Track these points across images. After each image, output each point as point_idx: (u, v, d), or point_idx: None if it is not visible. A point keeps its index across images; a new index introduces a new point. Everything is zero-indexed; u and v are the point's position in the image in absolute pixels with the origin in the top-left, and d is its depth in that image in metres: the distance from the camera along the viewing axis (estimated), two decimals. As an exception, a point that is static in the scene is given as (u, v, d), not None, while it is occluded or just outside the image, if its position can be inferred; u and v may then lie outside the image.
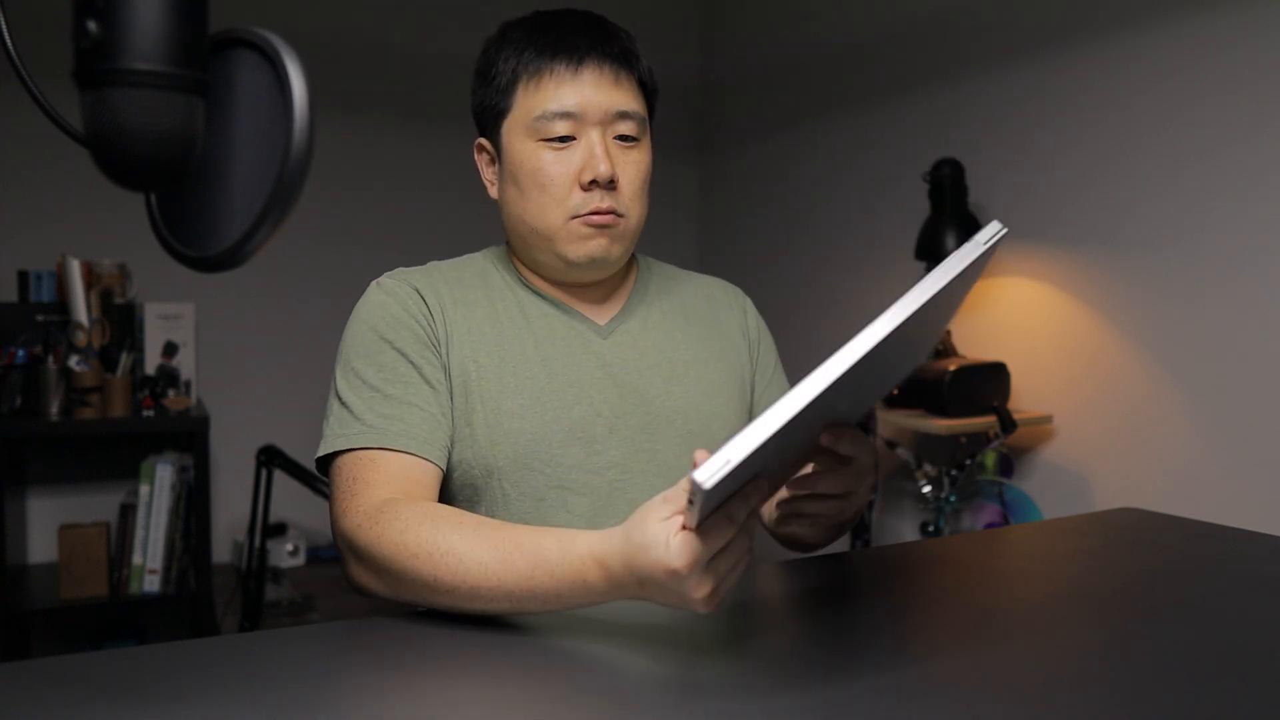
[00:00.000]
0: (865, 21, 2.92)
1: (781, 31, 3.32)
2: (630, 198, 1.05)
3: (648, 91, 1.09)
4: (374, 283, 1.06)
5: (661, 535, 0.69)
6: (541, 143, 1.02)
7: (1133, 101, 2.12)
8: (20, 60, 0.57)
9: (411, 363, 1.00)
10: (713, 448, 1.08)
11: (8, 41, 0.58)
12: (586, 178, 1.01)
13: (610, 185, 1.02)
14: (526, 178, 1.03)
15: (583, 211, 1.02)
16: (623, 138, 1.04)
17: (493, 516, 1.00)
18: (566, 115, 1.01)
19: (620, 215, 1.04)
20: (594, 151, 1.02)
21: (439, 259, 1.14)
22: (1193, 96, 1.99)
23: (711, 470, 0.61)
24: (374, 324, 1.02)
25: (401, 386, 0.99)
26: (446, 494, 1.04)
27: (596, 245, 1.04)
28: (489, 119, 1.07)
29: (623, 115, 1.04)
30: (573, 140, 1.02)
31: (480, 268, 1.12)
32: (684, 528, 0.69)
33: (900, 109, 2.79)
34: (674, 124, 3.74)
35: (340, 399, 1.00)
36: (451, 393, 1.02)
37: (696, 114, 3.80)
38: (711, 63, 3.74)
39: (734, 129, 3.62)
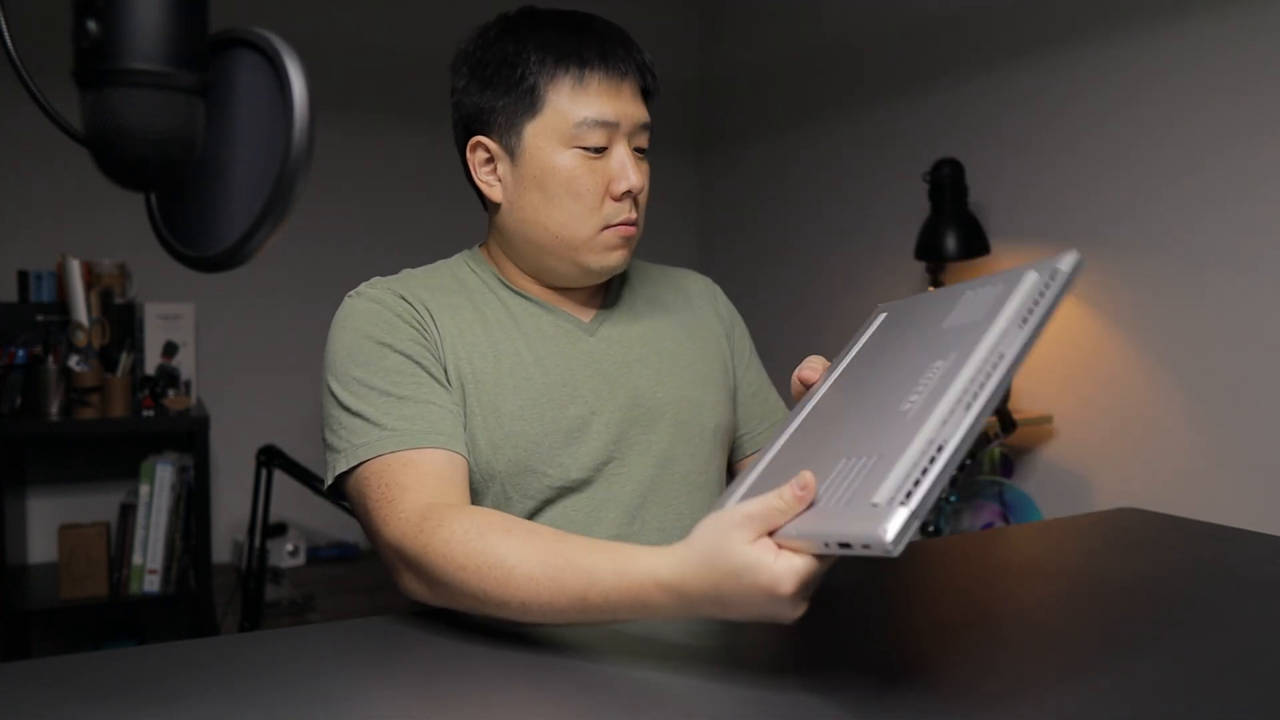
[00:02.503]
0: (865, 21, 2.92)
1: (781, 31, 3.32)
2: (642, 208, 1.07)
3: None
4: (352, 294, 1.03)
5: (763, 560, 0.64)
6: (578, 150, 1.01)
7: (1133, 102, 2.12)
8: (20, 60, 0.57)
9: (416, 362, 0.98)
10: (703, 436, 1.09)
11: (8, 41, 0.58)
12: (620, 189, 1.01)
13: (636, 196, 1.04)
14: (559, 185, 1.01)
15: (615, 221, 1.03)
16: (639, 149, 1.05)
17: None
18: (606, 125, 1.01)
19: (636, 225, 1.06)
20: (625, 163, 1.02)
21: (442, 258, 1.13)
22: (1193, 97, 1.99)
23: (898, 529, 0.56)
24: (367, 331, 0.99)
25: (414, 386, 0.97)
26: None
27: (618, 256, 1.05)
28: (501, 117, 1.03)
29: (645, 128, 1.05)
30: (605, 150, 1.02)
31: (456, 272, 1.10)
32: (780, 546, 0.65)
33: (900, 109, 2.79)
34: (674, 124, 3.74)
35: (349, 410, 0.96)
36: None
37: (696, 114, 3.80)
38: (711, 62, 3.74)
39: (734, 129, 3.62)
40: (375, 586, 2.85)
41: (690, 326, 1.16)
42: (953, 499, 2.34)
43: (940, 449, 0.58)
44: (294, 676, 0.72)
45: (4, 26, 0.58)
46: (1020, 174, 2.39)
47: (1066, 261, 0.66)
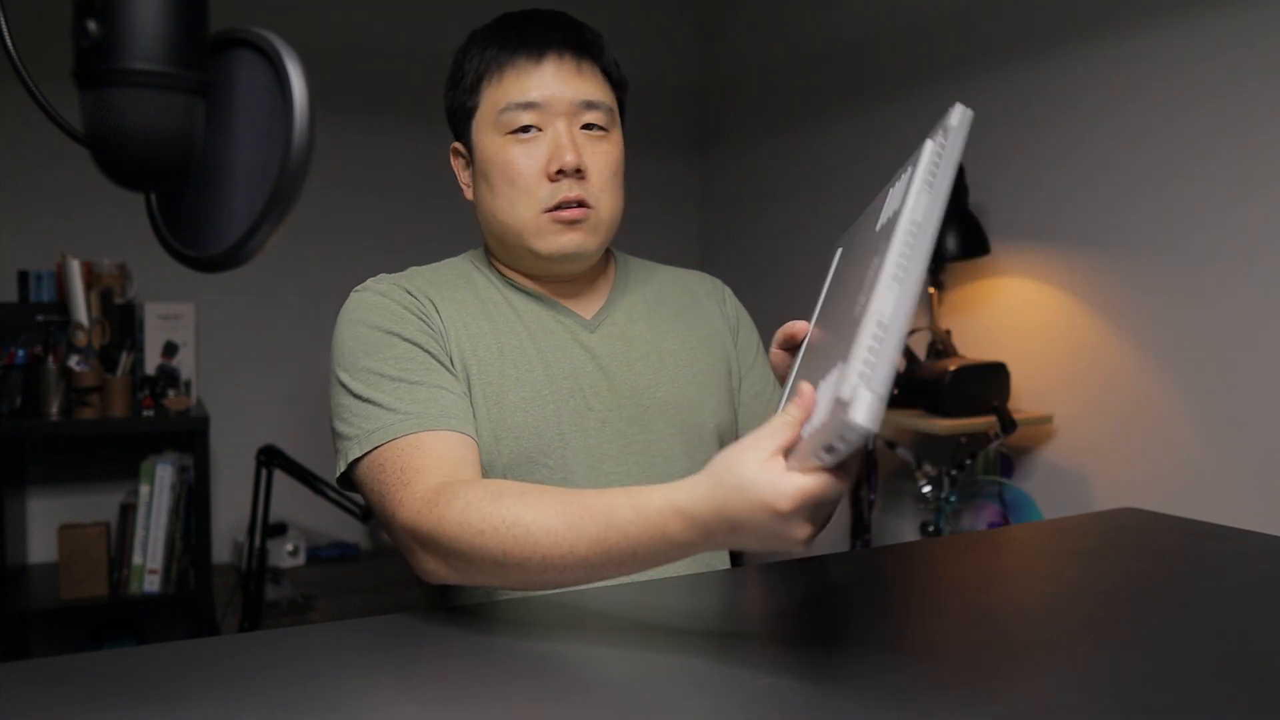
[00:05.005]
0: (865, 21, 2.92)
1: (781, 31, 3.32)
2: (600, 188, 1.05)
3: (614, 84, 1.09)
4: (357, 289, 1.05)
5: (764, 476, 0.66)
6: (508, 136, 1.03)
7: (1133, 102, 2.12)
8: (20, 60, 0.57)
9: (425, 350, 1.00)
10: (702, 436, 1.09)
11: (8, 41, 0.58)
12: (553, 167, 1.02)
13: (578, 174, 1.02)
14: (496, 173, 1.03)
15: (552, 203, 1.02)
16: (590, 127, 1.04)
17: None
18: (529, 106, 1.02)
19: (590, 206, 1.04)
20: (560, 141, 1.02)
21: (441, 259, 1.15)
22: (1193, 97, 1.99)
23: (866, 411, 0.56)
24: (374, 322, 1.00)
25: (425, 372, 0.98)
26: None
27: (569, 240, 1.04)
28: (460, 121, 1.08)
29: (589, 105, 1.04)
30: (538, 132, 1.03)
31: (460, 269, 1.12)
32: (788, 467, 0.67)
33: (900, 109, 2.79)
34: (674, 124, 3.74)
35: (360, 398, 0.96)
36: None
37: (696, 114, 3.80)
38: (711, 62, 3.74)
39: (734, 129, 3.62)
40: (375, 586, 2.85)
41: (694, 327, 1.16)
42: (953, 499, 2.34)
43: (884, 326, 0.59)
44: (294, 676, 0.72)
45: (4, 26, 0.58)
46: (1020, 174, 2.39)
47: (955, 116, 0.67)
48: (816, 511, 0.67)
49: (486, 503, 0.82)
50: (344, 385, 0.99)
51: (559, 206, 1.02)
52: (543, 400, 1.03)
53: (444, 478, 0.89)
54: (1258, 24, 1.87)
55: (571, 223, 1.03)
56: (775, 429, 0.68)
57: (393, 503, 0.90)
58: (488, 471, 1.01)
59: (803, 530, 0.67)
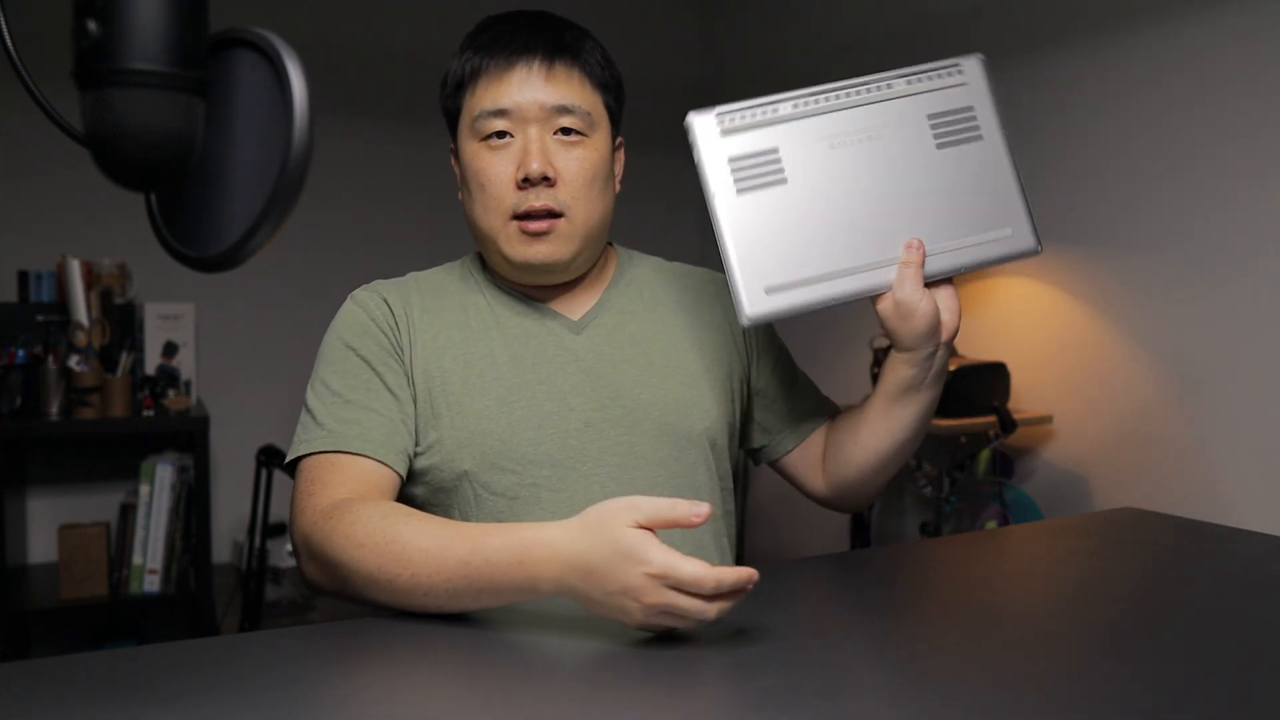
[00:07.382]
0: (864, 20, 2.92)
1: (780, 29, 3.32)
2: (573, 195, 1.02)
3: (601, 84, 1.06)
4: (349, 295, 1.08)
5: (637, 537, 0.73)
6: (481, 143, 1.03)
7: (1132, 101, 2.12)
8: (20, 60, 0.57)
9: (374, 370, 1.02)
10: (690, 439, 1.08)
11: (8, 41, 0.58)
12: (519, 175, 1.01)
13: (545, 182, 1.01)
14: (471, 178, 1.04)
15: (519, 210, 1.02)
16: (568, 132, 1.03)
17: (465, 518, 1.02)
18: (499, 113, 1.02)
19: (559, 215, 1.02)
20: (528, 149, 1.01)
21: (440, 260, 1.15)
22: (1192, 96, 1.99)
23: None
24: (341, 334, 1.04)
25: (363, 392, 1.01)
26: (416, 502, 1.05)
27: (536, 250, 1.03)
28: (450, 123, 1.09)
29: (562, 110, 1.02)
30: (510, 138, 1.02)
31: (458, 273, 1.13)
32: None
33: (900, 109, 2.79)
34: (674, 124, 3.74)
35: (307, 406, 1.03)
36: (415, 400, 1.03)
37: (696, 114, 3.80)
38: (711, 61, 3.74)
39: (734, 129, 3.62)
40: (375, 586, 2.84)
41: (695, 327, 1.14)
42: (953, 499, 2.34)
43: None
44: (294, 676, 0.72)
45: (4, 26, 0.58)
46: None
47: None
48: (668, 600, 0.71)
49: (374, 520, 0.87)
50: (307, 390, 1.05)
51: (527, 215, 1.02)
52: (509, 406, 1.03)
53: (345, 495, 0.94)
54: (1257, 23, 1.87)
55: (538, 234, 1.02)
56: (657, 508, 0.74)
57: (295, 510, 0.96)
58: (457, 479, 1.02)
59: (649, 599, 0.72)
